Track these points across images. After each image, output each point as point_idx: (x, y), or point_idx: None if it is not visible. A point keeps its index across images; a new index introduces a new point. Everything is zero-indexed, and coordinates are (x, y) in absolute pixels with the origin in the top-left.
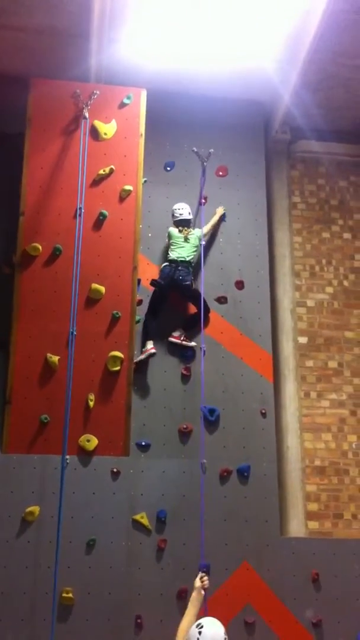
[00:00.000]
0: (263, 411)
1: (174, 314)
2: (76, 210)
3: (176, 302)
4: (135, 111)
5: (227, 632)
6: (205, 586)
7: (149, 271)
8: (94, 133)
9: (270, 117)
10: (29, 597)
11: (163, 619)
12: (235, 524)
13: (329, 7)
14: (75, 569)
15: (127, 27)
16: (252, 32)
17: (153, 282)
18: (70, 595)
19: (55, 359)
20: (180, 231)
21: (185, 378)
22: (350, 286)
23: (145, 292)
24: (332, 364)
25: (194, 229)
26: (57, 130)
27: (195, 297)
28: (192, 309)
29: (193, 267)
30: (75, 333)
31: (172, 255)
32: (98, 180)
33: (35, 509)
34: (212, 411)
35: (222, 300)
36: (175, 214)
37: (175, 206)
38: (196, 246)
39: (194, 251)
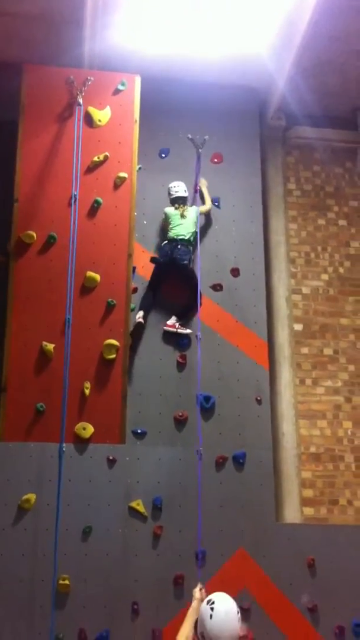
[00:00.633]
0: (258, 398)
1: (167, 302)
2: (71, 198)
3: (170, 290)
4: (130, 97)
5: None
6: (204, 597)
7: (144, 259)
8: (88, 120)
9: (265, 103)
10: (25, 585)
11: (159, 605)
12: (231, 510)
13: None
14: (71, 557)
15: (120, 12)
16: (246, 17)
17: (152, 260)
18: (66, 582)
19: (50, 347)
20: (176, 208)
21: (180, 366)
22: (346, 273)
23: (140, 280)
24: (328, 351)
25: (190, 206)
26: (51, 117)
27: (190, 277)
28: (184, 298)
29: (193, 246)
30: (71, 320)
31: (171, 233)
32: (92, 168)
33: (32, 496)
34: (207, 398)
35: (217, 287)
36: (171, 192)
37: (171, 184)
38: (195, 223)
39: (193, 229)
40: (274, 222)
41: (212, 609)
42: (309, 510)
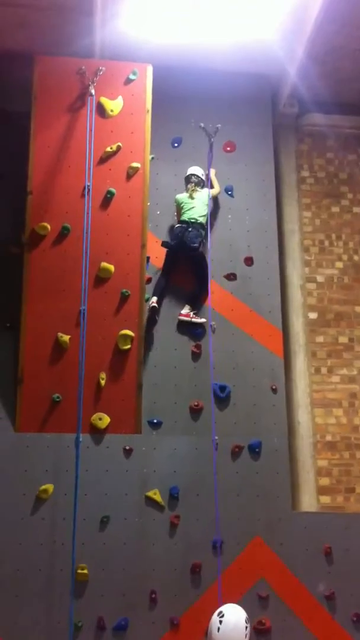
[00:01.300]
0: (274, 387)
1: (178, 288)
2: (84, 189)
3: (180, 276)
4: (141, 87)
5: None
6: None
7: (158, 249)
8: (100, 110)
9: (277, 90)
10: (44, 574)
11: (177, 593)
12: (247, 499)
13: None
14: (89, 546)
15: (130, 1)
16: (257, 4)
17: (164, 243)
18: (85, 571)
19: (65, 338)
20: (186, 190)
21: (195, 355)
22: None
23: (154, 270)
24: (343, 339)
25: (201, 188)
26: (63, 107)
27: (199, 261)
28: (194, 284)
29: (205, 230)
30: (86, 311)
31: (183, 217)
32: (105, 158)
33: (49, 487)
34: (222, 388)
35: (231, 277)
36: (188, 173)
37: (190, 170)
38: (206, 205)
39: (204, 212)
40: (287, 210)
41: (220, 622)
42: (325, 499)
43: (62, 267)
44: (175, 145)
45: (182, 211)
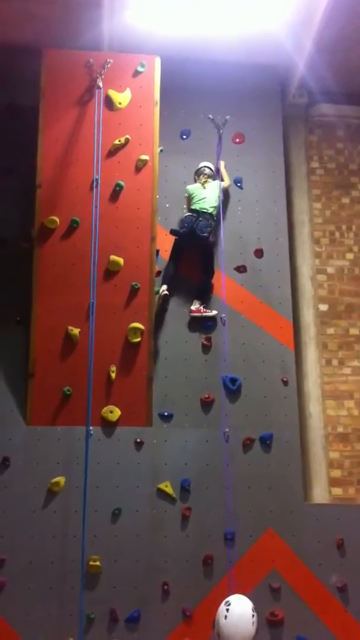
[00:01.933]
0: (284, 379)
1: (186, 279)
2: (92, 182)
3: (188, 266)
4: (150, 79)
5: (253, 597)
6: None
7: (167, 242)
8: (109, 103)
9: (286, 81)
10: (56, 566)
11: (189, 585)
12: (259, 491)
13: None
14: (101, 538)
15: None
16: None
17: (173, 231)
18: (97, 563)
19: (76, 331)
20: (196, 180)
21: (205, 348)
22: None
23: (164, 263)
24: (354, 331)
25: (213, 180)
26: (71, 100)
27: (207, 251)
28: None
29: (215, 221)
30: (95, 304)
31: (195, 206)
32: (114, 151)
33: (61, 479)
34: (233, 380)
35: (241, 269)
36: (200, 165)
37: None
38: (217, 197)
39: (216, 203)
40: (297, 201)
41: (227, 610)
42: (337, 491)
43: (72, 260)
44: (184, 137)
45: (193, 201)
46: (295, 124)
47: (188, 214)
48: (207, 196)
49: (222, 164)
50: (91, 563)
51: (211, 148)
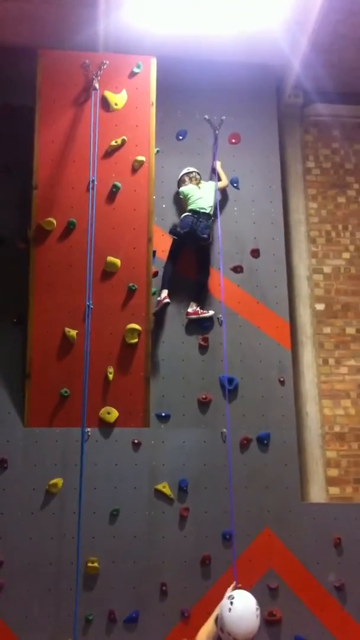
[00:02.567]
0: (281, 379)
1: (183, 278)
2: (89, 183)
3: (185, 266)
4: (146, 80)
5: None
6: None
7: (164, 242)
8: (105, 104)
9: (282, 81)
10: (54, 567)
11: (187, 585)
12: (256, 491)
13: None
14: (99, 539)
15: None
16: None
17: (173, 232)
18: (95, 564)
19: (73, 332)
20: (190, 180)
21: (202, 348)
22: None
23: (161, 264)
24: (350, 330)
25: (205, 182)
26: (68, 101)
27: (205, 251)
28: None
29: (212, 221)
30: (91, 306)
31: (193, 206)
32: (110, 152)
33: (59, 481)
34: (230, 380)
35: (238, 269)
36: (185, 171)
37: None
38: (213, 196)
39: (212, 203)
40: (293, 201)
41: (231, 603)
42: (334, 490)
43: (69, 261)
44: (180, 137)
45: (190, 201)
46: (291, 124)
47: (187, 214)
48: (203, 196)
49: (218, 163)
50: (89, 564)
51: (207, 148)
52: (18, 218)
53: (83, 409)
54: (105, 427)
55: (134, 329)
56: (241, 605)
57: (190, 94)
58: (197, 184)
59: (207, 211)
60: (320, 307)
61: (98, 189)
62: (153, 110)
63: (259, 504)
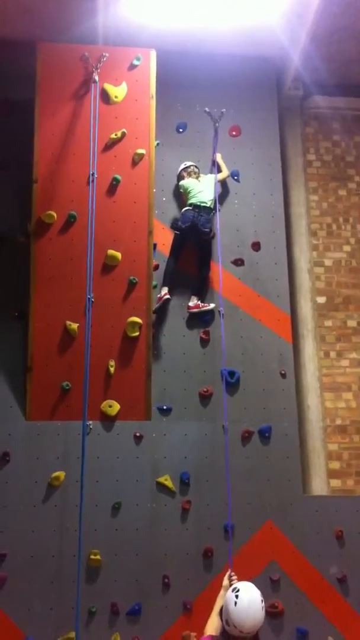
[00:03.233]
0: (283, 372)
1: (185, 273)
2: (89, 176)
3: (186, 261)
4: (145, 72)
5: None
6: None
7: (164, 236)
8: (105, 96)
9: (281, 73)
10: (57, 560)
11: (190, 577)
12: (258, 483)
13: None
14: (102, 532)
15: None
16: None
17: (174, 226)
18: (97, 557)
19: (74, 326)
20: (189, 175)
21: (204, 342)
22: None
23: (161, 257)
24: (351, 323)
25: (205, 175)
26: (67, 95)
27: (206, 245)
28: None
29: (213, 215)
30: (92, 299)
31: (193, 200)
32: (110, 145)
33: (61, 474)
34: (232, 373)
35: (238, 262)
36: (184, 166)
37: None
38: (213, 190)
39: (212, 196)
40: (294, 194)
41: (236, 596)
42: (335, 482)
43: (70, 255)
44: (180, 130)
45: (190, 195)
46: (291, 117)
47: (188, 208)
48: (203, 189)
49: (218, 155)
50: (92, 557)
51: (207, 141)
52: (18, 212)
53: (84, 402)
54: (107, 421)
55: (135, 322)
56: (247, 598)
57: (190, 86)
58: (197, 177)
59: (208, 205)
60: (321, 300)
61: (98, 182)
62: (153, 102)
63: (260, 496)
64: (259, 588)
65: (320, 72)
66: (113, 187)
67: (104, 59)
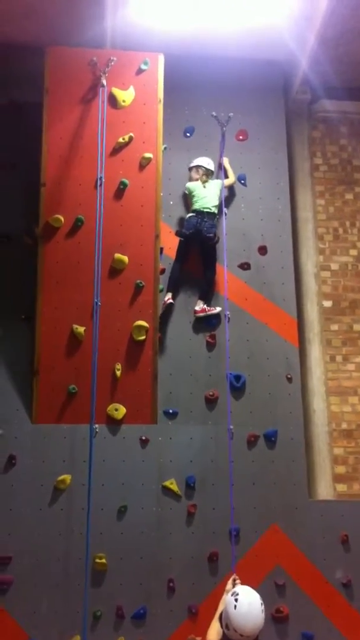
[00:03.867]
0: (289, 376)
1: (193, 278)
2: (97, 180)
3: (194, 265)
4: (153, 77)
5: (258, 594)
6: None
7: (171, 239)
8: (112, 101)
9: (289, 77)
10: (62, 563)
11: (195, 581)
12: (264, 487)
13: None
14: (107, 535)
15: None
16: None
17: (179, 233)
18: (103, 560)
19: (81, 329)
20: (198, 174)
21: (210, 345)
22: None
23: (168, 260)
24: (358, 327)
25: (211, 178)
26: (75, 99)
27: (211, 250)
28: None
29: (218, 220)
30: (99, 303)
31: (197, 205)
32: (118, 149)
33: (67, 477)
34: (238, 377)
35: (245, 266)
36: (195, 163)
37: (200, 160)
38: (218, 195)
39: (217, 202)
40: (301, 198)
41: (236, 600)
42: (341, 487)
43: (77, 258)
44: (188, 134)
45: (194, 200)
46: (299, 121)
47: (191, 214)
48: (207, 195)
49: (226, 160)
50: (97, 560)
51: (214, 145)
52: (25, 215)
53: (92, 405)
54: (113, 424)
55: (141, 326)
56: (246, 602)
57: (197, 90)
58: (204, 182)
59: (212, 210)
60: (327, 304)
61: (105, 186)
62: (160, 107)
63: (266, 500)
64: (263, 592)
65: (328, 75)
66: (120, 191)
67: (112, 63)
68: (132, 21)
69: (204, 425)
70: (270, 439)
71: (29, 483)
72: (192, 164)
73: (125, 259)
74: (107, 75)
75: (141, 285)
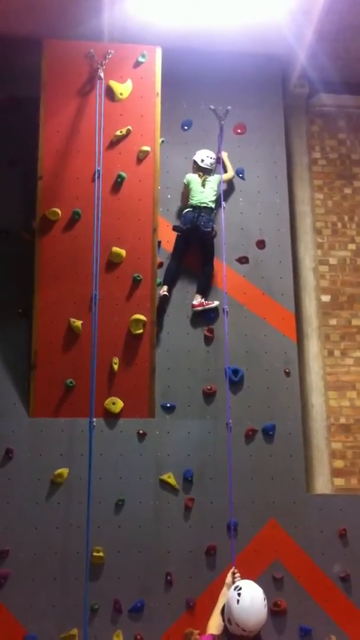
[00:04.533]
0: (287, 370)
1: (191, 271)
2: (94, 173)
3: (192, 259)
4: (151, 70)
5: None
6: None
7: (169, 233)
8: (110, 93)
9: (287, 71)
10: (60, 557)
11: (192, 575)
12: (262, 482)
13: None
14: (105, 529)
15: None
16: None
17: (175, 228)
18: (100, 554)
19: (78, 323)
20: (199, 176)
21: (208, 339)
22: None
23: (166, 254)
24: (356, 322)
25: (212, 175)
26: (72, 92)
27: (209, 246)
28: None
29: (215, 214)
30: (98, 296)
31: (193, 200)
32: (115, 142)
33: (64, 471)
34: (236, 372)
35: (243, 260)
36: (202, 164)
37: (202, 154)
38: (215, 190)
39: (214, 196)
40: (299, 192)
41: (239, 594)
42: (339, 481)
43: (74, 252)
44: (186, 128)
45: (192, 194)
46: (297, 114)
47: (188, 209)
48: (205, 190)
49: (224, 154)
50: (95, 554)
51: (213, 139)
52: (23, 209)
53: (91, 399)
54: (111, 418)
55: (139, 320)
56: (249, 596)
57: (195, 84)
58: (204, 180)
59: (209, 205)
60: (325, 298)
61: (103, 179)
62: (158, 100)
63: (264, 495)
64: (262, 586)
65: (326, 69)
66: (118, 184)
67: (110, 56)
68: (130, 14)
69: (202, 420)
70: (269, 433)
71: (26, 477)
72: (198, 158)
73: (123, 252)
74: (104, 68)
75: (139, 278)
